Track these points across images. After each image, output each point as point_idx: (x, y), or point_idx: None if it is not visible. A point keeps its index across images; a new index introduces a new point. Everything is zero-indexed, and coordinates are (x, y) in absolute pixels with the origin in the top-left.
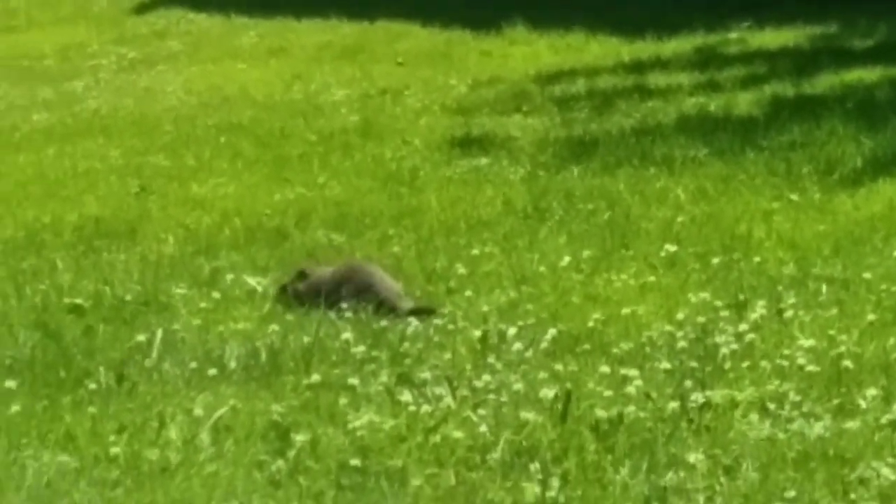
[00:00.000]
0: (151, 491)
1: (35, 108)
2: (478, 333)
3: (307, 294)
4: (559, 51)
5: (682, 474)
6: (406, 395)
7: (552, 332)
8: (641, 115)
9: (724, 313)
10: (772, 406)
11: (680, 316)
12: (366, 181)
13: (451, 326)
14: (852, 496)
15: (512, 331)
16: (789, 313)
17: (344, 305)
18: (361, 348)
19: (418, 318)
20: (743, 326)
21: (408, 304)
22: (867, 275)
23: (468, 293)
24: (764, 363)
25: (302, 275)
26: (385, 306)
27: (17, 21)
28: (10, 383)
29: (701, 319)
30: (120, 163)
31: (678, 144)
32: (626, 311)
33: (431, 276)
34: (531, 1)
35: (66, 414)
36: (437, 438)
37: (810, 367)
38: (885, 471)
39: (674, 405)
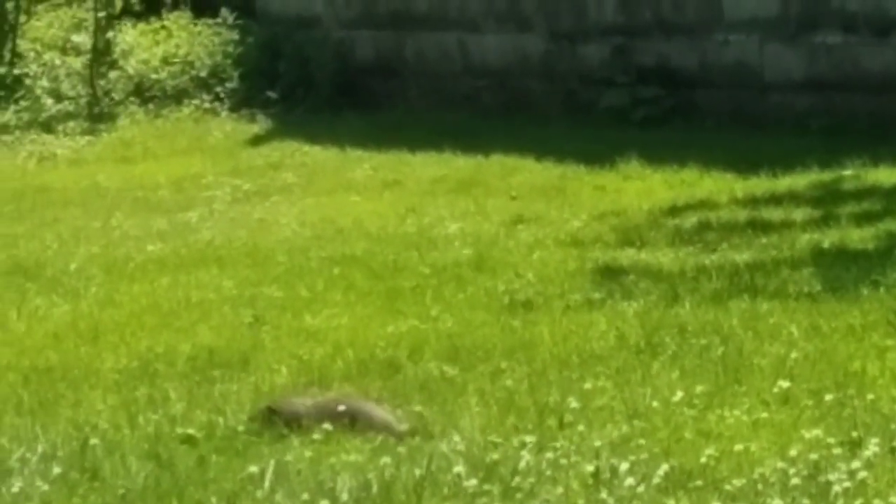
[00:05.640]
0: None
1: (149, 239)
2: (590, 468)
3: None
4: (673, 186)
5: None
6: None
7: (664, 467)
8: (755, 250)
9: (837, 451)
10: None
11: (793, 453)
12: (478, 314)
13: (563, 461)
14: None
15: (624, 466)
16: None
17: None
18: (473, 482)
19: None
20: (856, 464)
21: (400, 427)
22: None
23: (581, 427)
24: (877, 501)
25: (271, 411)
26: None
27: (133, 152)
28: None
29: (814, 456)
30: (233, 293)
31: (792, 280)
32: (738, 447)
33: (544, 410)
34: (646, 137)
35: None
36: None
37: None
38: None
39: None
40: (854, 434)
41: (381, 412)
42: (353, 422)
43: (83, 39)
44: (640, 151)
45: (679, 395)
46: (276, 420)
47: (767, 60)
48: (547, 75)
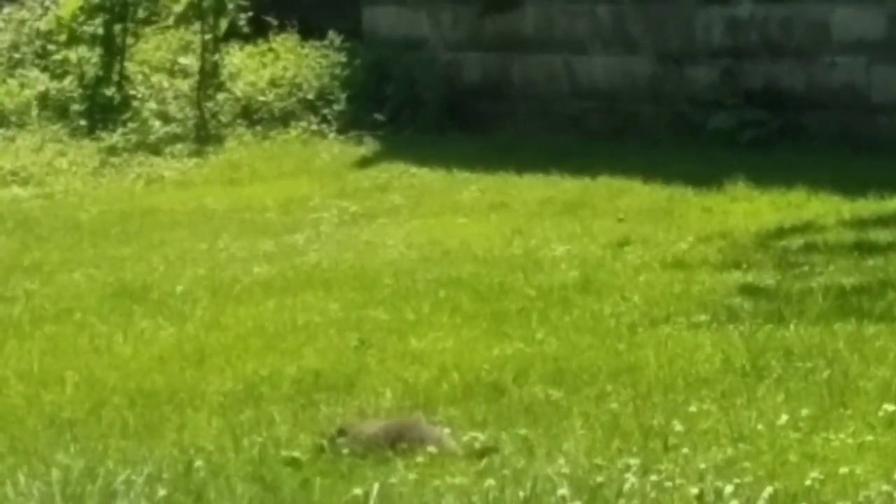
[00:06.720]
0: None
1: (256, 261)
2: (694, 491)
3: (355, 448)
4: (780, 208)
5: None
6: None
7: (769, 490)
8: (861, 272)
9: None
10: None
11: None
12: (584, 337)
13: (667, 483)
14: None
15: (729, 488)
16: None
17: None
18: None
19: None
20: None
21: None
22: None
23: (685, 450)
24: None
25: (342, 432)
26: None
27: (240, 174)
28: None
29: None
30: (339, 316)
31: None
32: (843, 470)
33: (649, 433)
34: (753, 159)
35: None
36: None
37: None
38: None
39: None
40: None
41: (448, 438)
42: (419, 446)
43: (190, 62)
44: (748, 173)
45: (784, 418)
46: (343, 442)
47: (875, 82)
48: (654, 97)
